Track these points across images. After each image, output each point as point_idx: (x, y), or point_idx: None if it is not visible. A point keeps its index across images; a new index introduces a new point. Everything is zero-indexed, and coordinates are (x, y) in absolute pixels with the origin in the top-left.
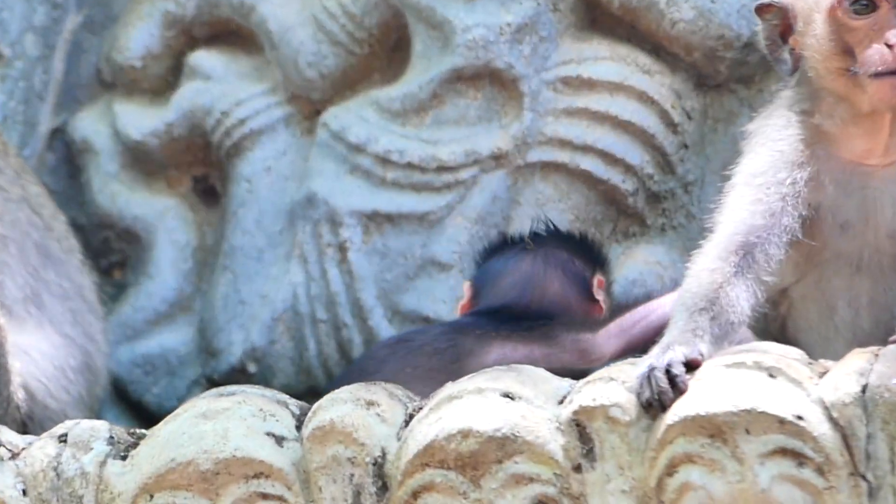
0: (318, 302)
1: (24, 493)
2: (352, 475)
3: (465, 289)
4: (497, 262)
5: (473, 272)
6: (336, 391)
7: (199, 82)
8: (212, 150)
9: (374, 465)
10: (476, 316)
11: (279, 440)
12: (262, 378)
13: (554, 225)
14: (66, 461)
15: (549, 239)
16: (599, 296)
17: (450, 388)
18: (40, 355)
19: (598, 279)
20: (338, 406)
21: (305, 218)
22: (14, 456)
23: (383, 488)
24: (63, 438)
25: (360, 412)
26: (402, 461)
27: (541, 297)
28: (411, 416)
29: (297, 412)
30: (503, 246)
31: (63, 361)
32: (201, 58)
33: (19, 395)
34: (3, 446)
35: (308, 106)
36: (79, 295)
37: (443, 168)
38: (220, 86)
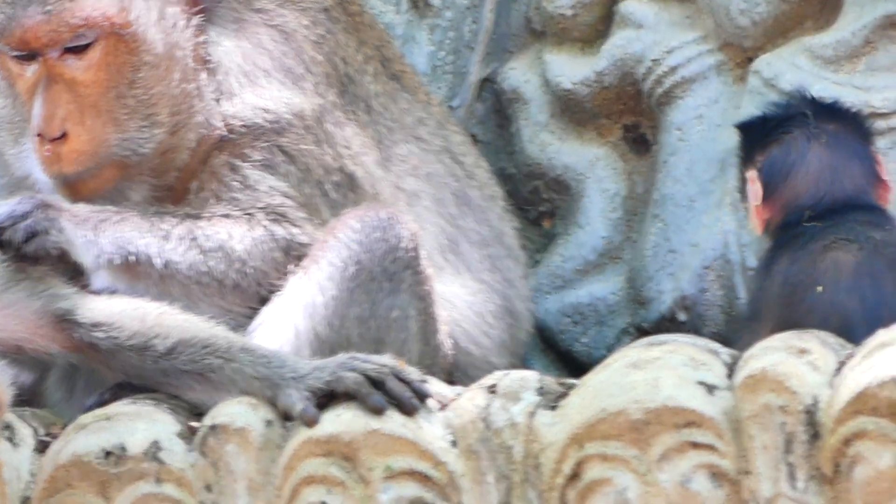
0: (748, 249)
1: (454, 444)
2: (783, 423)
3: (752, 179)
4: (783, 152)
5: (753, 161)
6: (767, 339)
7: (631, 30)
8: (642, 99)
9: (805, 413)
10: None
11: (710, 389)
12: (693, 327)
13: (819, 99)
14: (495, 412)
15: (822, 116)
16: (886, 175)
17: (882, 334)
18: (460, 302)
19: (878, 155)
20: (769, 354)
21: (737, 166)
22: (443, 407)
23: (815, 436)
24: (493, 389)
25: (792, 360)
26: (833, 409)
27: (842, 188)
28: (843, 364)
29: (729, 361)
30: (774, 127)
31: (482, 307)
32: (633, 6)
33: (447, 345)
34: (433, 398)
35: (739, 53)
36: (498, 241)
37: (875, 115)
38: (651, 34)
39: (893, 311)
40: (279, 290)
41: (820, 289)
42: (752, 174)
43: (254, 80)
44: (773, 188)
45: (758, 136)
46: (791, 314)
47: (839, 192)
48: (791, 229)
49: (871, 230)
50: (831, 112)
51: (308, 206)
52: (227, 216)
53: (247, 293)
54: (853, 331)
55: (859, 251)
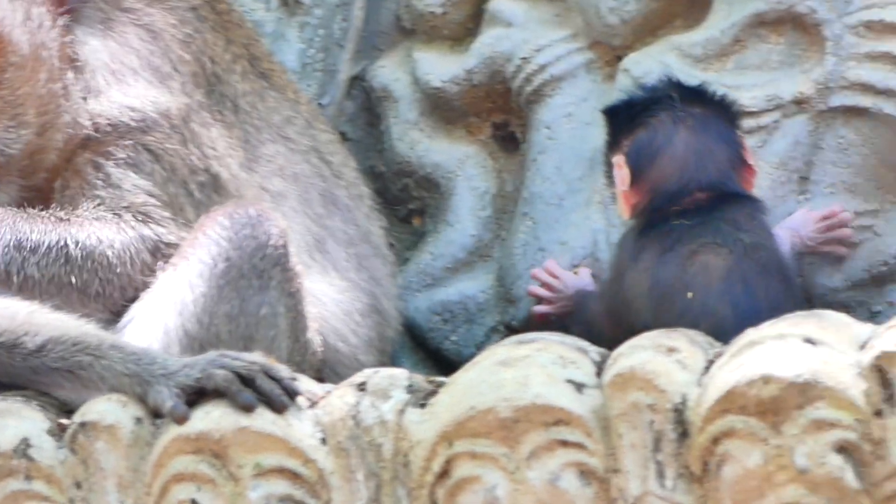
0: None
1: (324, 441)
2: (652, 422)
3: (619, 164)
4: (649, 135)
5: (619, 145)
6: (636, 338)
7: (500, 28)
8: (512, 97)
9: (674, 411)
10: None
11: (579, 387)
12: (562, 325)
13: (684, 82)
14: (364, 410)
15: (688, 99)
16: (751, 159)
17: (751, 333)
18: (328, 300)
19: (744, 140)
20: (638, 353)
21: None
22: (313, 405)
23: (683, 435)
24: (362, 387)
25: (661, 359)
26: (702, 407)
27: (707, 172)
28: (711, 362)
29: (597, 359)
30: (640, 111)
31: (349, 305)
32: (502, 4)
33: (316, 341)
34: (303, 395)
35: (609, 52)
36: (365, 240)
37: (744, 113)
38: (520, 32)
39: (764, 317)
40: (148, 288)
41: (690, 295)
42: (619, 159)
43: (121, 79)
44: (640, 172)
45: (624, 120)
46: (661, 318)
47: (705, 177)
48: (658, 222)
49: (739, 231)
50: (697, 95)
51: (172, 206)
52: (98, 219)
53: (110, 299)
54: (725, 337)
55: (729, 255)
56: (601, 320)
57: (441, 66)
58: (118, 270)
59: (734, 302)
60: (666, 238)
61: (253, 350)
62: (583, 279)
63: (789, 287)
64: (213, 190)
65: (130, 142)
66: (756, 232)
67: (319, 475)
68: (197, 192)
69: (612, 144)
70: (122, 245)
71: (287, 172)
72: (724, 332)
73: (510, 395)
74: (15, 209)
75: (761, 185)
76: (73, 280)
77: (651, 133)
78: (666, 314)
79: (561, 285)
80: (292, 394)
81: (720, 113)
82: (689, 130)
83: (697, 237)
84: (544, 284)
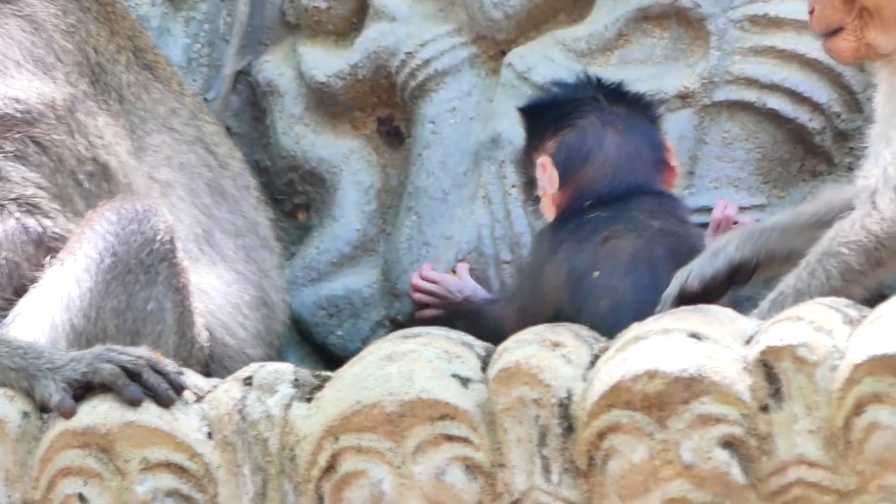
0: (502, 243)
1: (210, 435)
2: (537, 416)
3: (545, 165)
4: (579, 138)
5: (543, 146)
6: (521, 332)
7: (384, 23)
8: (396, 92)
9: (559, 406)
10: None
11: (464, 382)
12: (447, 319)
13: (607, 81)
14: (251, 404)
15: (612, 99)
16: (674, 161)
17: (636, 328)
18: (215, 293)
19: (667, 141)
20: (523, 347)
21: (490, 159)
22: (199, 399)
23: (569, 429)
24: (248, 381)
25: (546, 353)
26: (587, 402)
27: (635, 175)
28: (597, 357)
29: (483, 353)
30: (566, 112)
31: (237, 298)
32: None
33: (202, 337)
34: (189, 389)
35: (493, 46)
36: (252, 232)
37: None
38: (405, 27)
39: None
40: (35, 282)
41: (596, 274)
42: (544, 160)
43: (4, 71)
44: (569, 175)
45: (548, 120)
46: (573, 301)
47: (633, 179)
48: (573, 219)
49: (652, 219)
50: (620, 95)
51: (62, 198)
52: None
53: None
54: (622, 313)
55: (638, 239)
56: (510, 323)
57: (326, 61)
58: (3, 257)
59: (636, 281)
60: (583, 229)
61: (140, 345)
62: (463, 281)
63: None
64: (102, 179)
65: (18, 134)
66: (668, 221)
67: (206, 469)
68: (86, 182)
69: (535, 145)
70: (3, 233)
71: (174, 162)
72: (621, 309)
73: (396, 389)
74: None
75: None
76: None
77: (580, 135)
78: (577, 296)
79: (443, 290)
80: (178, 388)
81: (643, 113)
82: (618, 133)
83: (611, 225)
84: (425, 291)
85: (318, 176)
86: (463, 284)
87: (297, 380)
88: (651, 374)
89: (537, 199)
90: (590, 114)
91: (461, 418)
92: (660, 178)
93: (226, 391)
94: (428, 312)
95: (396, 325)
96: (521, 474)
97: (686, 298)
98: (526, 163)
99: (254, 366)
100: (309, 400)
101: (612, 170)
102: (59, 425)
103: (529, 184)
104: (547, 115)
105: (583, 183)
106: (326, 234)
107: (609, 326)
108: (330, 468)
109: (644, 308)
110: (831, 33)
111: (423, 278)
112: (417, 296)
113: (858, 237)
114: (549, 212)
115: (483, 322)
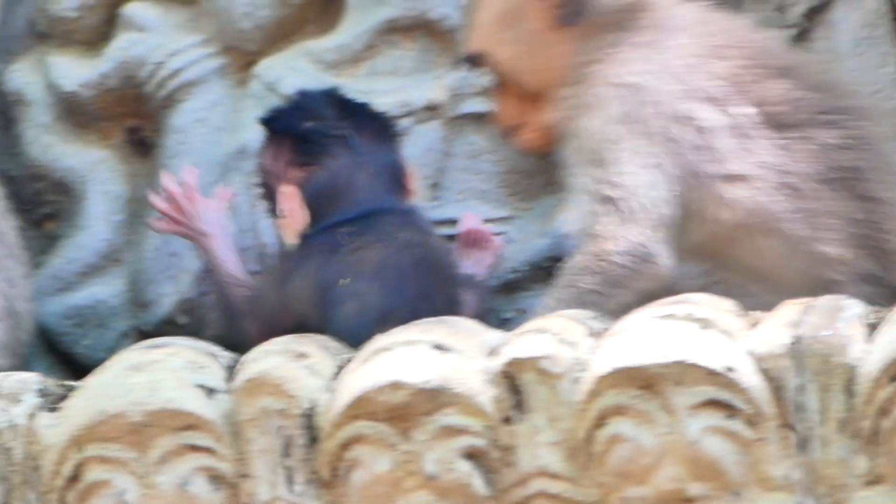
0: (248, 254)
1: None
2: (280, 427)
3: (290, 195)
4: (328, 171)
5: (286, 175)
6: (266, 343)
7: (134, 33)
8: (145, 102)
9: (303, 417)
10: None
11: (209, 392)
12: (193, 330)
13: (351, 102)
14: None
15: (355, 119)
16: (413, 185)
17: (380, 340)
18: None
19: (409, 166)
20: (268, 358)
21: (237, 170)
22: None
23: (313, 440)
24: None
25: (291, 364)
26: (331, 413)
27: (382, 201)
28: (341, 368)
29: (228, 364)
30: (311, 144)
31: None
32: (136, 9)
33: None
34: None
35: (242, 57)
36: None
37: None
38: (154, 37)
39: (412, 302)
40: None
41: (345, 281)
42: (289, 190)
43: None
44: (316, 208)
45: (294, 147)
46: (320, 310)
47: (379, 205)
48: (320, 236)
49: (398, 232)
50: (363, 115)
51: None
52: None
53: None
54: (368, 317)
55: (385, 248)
56: (254, 331)
57: (75, 71)
58: None
59: (384, 286)
60: (330, 244)
61: None
62: (217, 213)
63: (443, 282)
64: None
65: None
66: (414, 233)
67: None
68: None
69: (279, 167)
70: None
71: None
72: (371, 312)
73: (141, 399)
74: None
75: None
76: None
77: (329, 173)
78: (325, 304)
79: (192, 210)
80: None
81: (386, 134)
82: (364, 164)
83: (359, 238)
84: (173, 202)
85: (66, 185)
86: (215, 219)
87: (42, 389)
88: (395, 386)
89: (278, 214)
90: (338, 147)
91: (205, 428)
92: (402, 198)
93: None
94: (161, 225)
95: (143, 335)
96: (265, 485)
97: None
98: (268, 176)
99: None
100: (54, 410)
101: (359, 198)
102: None
103: (270, 196)
104: (293, 140)
105: (329, 211)
106: (73, 243)
107: (356, 331)
108: (74, 478)
109: (390, 314)
110: (513, 130)
111: (182, 185)
112: (158, 201)
113: (585, 263)
114: (291, 236)
115: (231, 313)
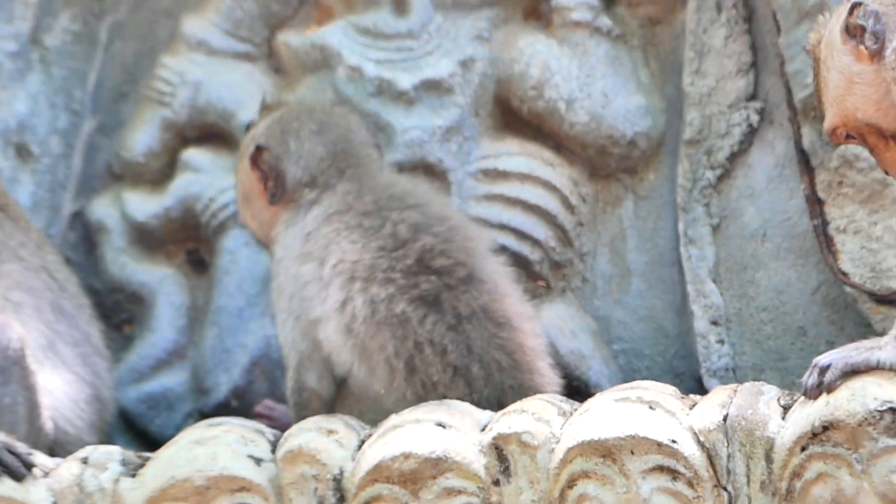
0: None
1: None
2: (316, 489)
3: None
4: None
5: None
6: (302, 422)
7: (191, 174)
8: (201, 229)
9: (333, 480)
10: None
11: (258, 461)
12: (244, 411)
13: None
14: (87, 479)
15: None
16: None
17: (394, 418)
18: (59, 392)
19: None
20: (304, 434)
21: None
22: (46, 475)
23: (341, 499)
24: (85, 460)
25: (322, 438)
26: (356, 477)
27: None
28: (363, 441)
29: (272, 438)
30: None
31: (76, 395)
32: (192, 154)
33: (48, 426)
34: (38, 467)
35: None
36: (87, 341)
37: None
38: (207, 177)
39: None
40: None
41: None
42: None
43: None
44: None
45: None
46: None
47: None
48: None
49: None
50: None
51: None
52: None
53: None
54: None
55: None
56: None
57: (144, 205)
58: None
59: None
60: None
61: None
62: (282, 408)
63: None
64: None
65: None
66: None
67: None
68: None
69: None
70: None
71: (24, 286)
72: None
73: (202, 467)
74: None
75: None
76: None
77: None
78: None
79: (277, 414)
80: (29, 466)
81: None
82: None
83: None
84: (266, 416)
85: (139, 297)
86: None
87: (123, 459)
88: (406, 456)
89: None
90: None
91: (255, 490)
92: None
93: (67, 468)
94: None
95: (203, 415)
96: None
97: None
98: None
99: (89, 448)
100: (134, 476)
101: None
102: None
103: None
104: None
105: None
106: (146, 343)
107: None
108: None
109: None
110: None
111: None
112: (261, 412)
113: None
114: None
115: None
